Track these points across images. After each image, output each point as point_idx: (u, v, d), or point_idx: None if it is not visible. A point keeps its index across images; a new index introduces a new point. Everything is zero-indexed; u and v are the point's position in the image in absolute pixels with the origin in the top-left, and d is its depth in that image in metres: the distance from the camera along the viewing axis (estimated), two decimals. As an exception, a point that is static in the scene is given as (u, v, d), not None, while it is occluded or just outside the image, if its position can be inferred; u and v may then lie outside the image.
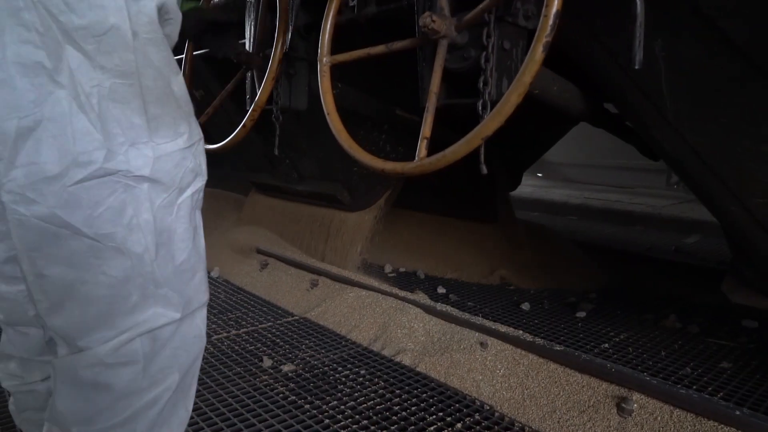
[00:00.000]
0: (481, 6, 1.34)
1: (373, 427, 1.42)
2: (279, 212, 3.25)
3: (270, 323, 2.19)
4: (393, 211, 3.18)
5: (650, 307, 2.44)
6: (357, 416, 1.48)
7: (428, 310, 2.09)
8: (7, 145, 0.67)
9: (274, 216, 3.25)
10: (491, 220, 3.06)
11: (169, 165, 0.78)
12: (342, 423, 1.44)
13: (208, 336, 2.03)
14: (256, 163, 3.25)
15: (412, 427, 1.43)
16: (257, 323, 2.18)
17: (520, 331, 1.84)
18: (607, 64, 1.62)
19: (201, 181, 0.87)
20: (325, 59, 1.69)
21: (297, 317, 2.25)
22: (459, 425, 1.45)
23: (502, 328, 1.86)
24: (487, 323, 1.92)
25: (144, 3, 0.74)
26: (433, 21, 1.38)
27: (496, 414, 1.52)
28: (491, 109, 1.33)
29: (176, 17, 0.83)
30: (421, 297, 2.27)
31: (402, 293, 2.25)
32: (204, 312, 0.90)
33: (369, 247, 2.88)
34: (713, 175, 1.67)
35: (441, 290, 2.64)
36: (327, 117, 1.66)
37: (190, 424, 1.41)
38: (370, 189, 2.81)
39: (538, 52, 1.17)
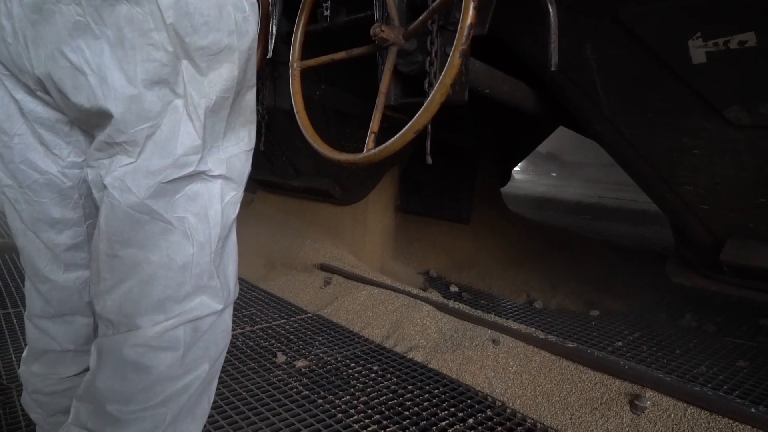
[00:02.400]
0: (421, 17, 1.47)
1: (385, 422, 1.44)
2: (282, 207, 3.40)
3: (284, 320, 2.21)
4: (400, 215, 3.27)
5: (666, 306, 2.41)
6: (369, 411, 1.49)
7: (441, 307, 2.09)
8: (137, 149, 0.75)
9: (278, 211, 3.37)
10: (465, 221, 3.23)
11: (238, 165, 0.85)
12: (354, 417, 1.46)
13: (223, 332, 2.06)
14: (256, 162, 3.43)
15: (424, 422, 1.44)
16: (271, 320, 2.21)
17: (533, 329, 1.84)
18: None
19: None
20: (295, 64, 1.89)
21: (310, 314, 2.27)
22: (471, 421, 1.46)
23: (515, 326, 1.86)
24: (500, 321, 1.92)
25: (247, 27, 0.79)
26: (383, 30, 1.54)
27: (508, 410, 1.52)
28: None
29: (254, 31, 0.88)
30: (434, 295, 2.28)
31: (414, 291, 2.26)
32: (231, 308, 0.92)
33: (365, 241, 2.94)
34: (647, 164, 1.84)
35: (454, 288, 2.65)
36: (296, 115, 1.84)
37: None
38: (359, 184, 2.96)
39: (455, 58, 1.32)
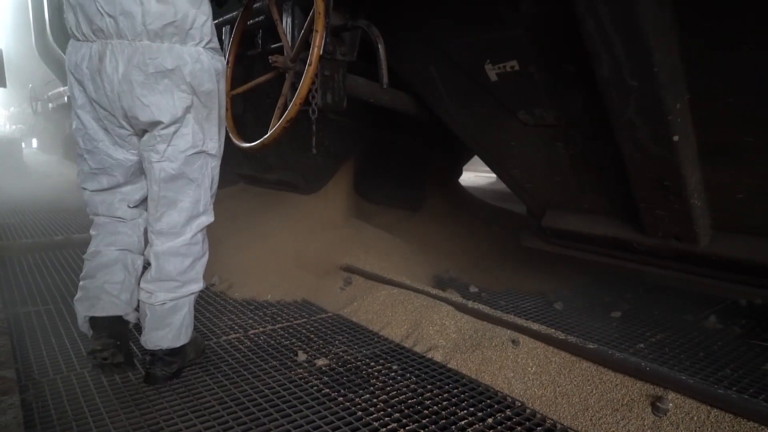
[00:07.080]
0: (293, 51, 2.08)
1: (404, 420, 1.45)
2: (260, 197, 3.77)
3: (304, 319, 2.24)
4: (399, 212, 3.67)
5: (690, 308, 2.37)
6: (389, 409, 1.51)
7: (460, 307, 2.10)
8: (169, 138, 1.55)
9: (260, 202, 3.72)
10: (416, 210, 3.78)
11: (219, 148, 1.69)
12: (374, 416, 1.47)
13: (245, 330, 2.11)
14: (239, 157, 3.86)
15: (444, 421, 1.45)
16: (292, 319, 2.24)
17: (553, 330, 1.83)
18: (414, 78, 2.42)
19: None
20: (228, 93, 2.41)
21: (330, 314, 2.30)
22: (490, 420, 1.46)
23: (534, 326, 1.86)
24: (519, 321, 1.92)
25: (220, 78, 1.62)
26: (276, 60, 2.13)
27: (528, 410, 1.52)
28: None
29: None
30: (453, 295, 2.28)
31: (434, 291, 2.27)
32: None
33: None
34: (487, 153, 2.41)
35: (473, 289, 2.65)
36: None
37: (228, 413, 1.47)
38: (318, 176, 3.42)
39: (303, 90, 1.87)
